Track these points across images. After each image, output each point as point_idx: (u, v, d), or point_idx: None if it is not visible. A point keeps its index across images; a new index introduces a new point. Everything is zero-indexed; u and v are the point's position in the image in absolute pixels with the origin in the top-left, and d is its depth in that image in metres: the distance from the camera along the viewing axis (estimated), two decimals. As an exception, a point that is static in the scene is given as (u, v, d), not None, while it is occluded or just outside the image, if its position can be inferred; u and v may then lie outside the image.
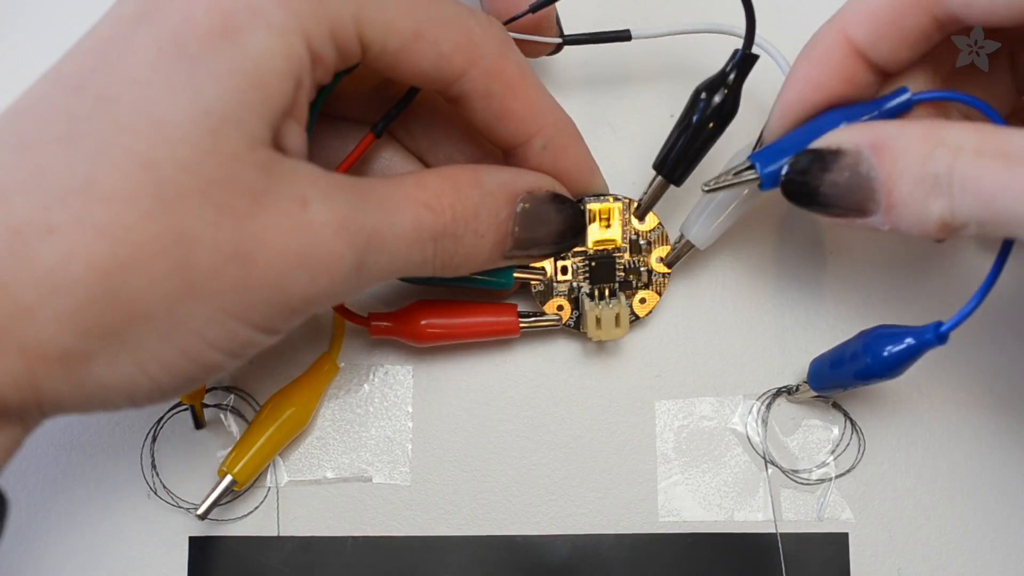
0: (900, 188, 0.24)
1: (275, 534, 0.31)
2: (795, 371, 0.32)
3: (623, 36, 0.31)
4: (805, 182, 0.26)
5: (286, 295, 0.22)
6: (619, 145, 0.33)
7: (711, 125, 0.27)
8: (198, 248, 0.20)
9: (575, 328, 0.31)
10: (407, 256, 0.24)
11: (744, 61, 0.26)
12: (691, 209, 0.30)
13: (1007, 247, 0.25)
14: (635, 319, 0.31)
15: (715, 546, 0.31)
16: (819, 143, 0.26)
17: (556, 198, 0.27)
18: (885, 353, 0.27)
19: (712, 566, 0.31)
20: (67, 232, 0.19)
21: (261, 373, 0.32)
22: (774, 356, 0.33)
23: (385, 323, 0.31)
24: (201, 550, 0.31)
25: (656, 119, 0.34)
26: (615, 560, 0.31)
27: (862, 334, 0.28)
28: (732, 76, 0.27)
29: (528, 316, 0.31)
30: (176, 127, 0.20)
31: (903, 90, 0.26)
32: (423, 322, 0.30)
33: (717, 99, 0.27)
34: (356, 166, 0.29)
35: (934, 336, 0.26)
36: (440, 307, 0.30)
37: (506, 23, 0.28)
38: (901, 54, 0.26)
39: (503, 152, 0.27)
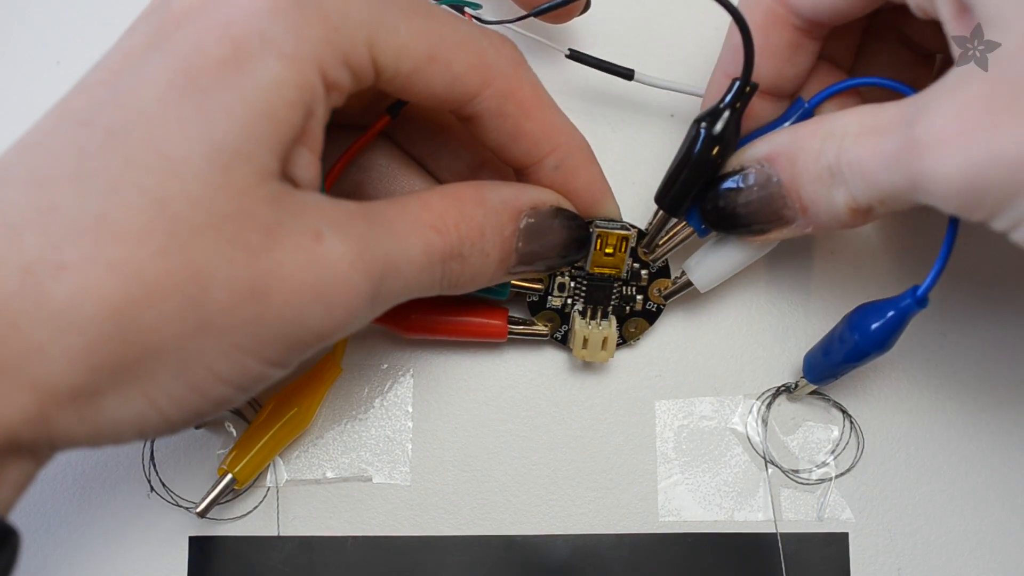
0: (805, 188, 0.25)
1: (275, 534, 0.31)
2: (795, 370, 0.32)
3: (626, 74, 0.31)
4: (723, 208, 0.27)
5: (301, 330, 0.21)
6: (618, 144, 0.33)
7: (711, 155, 0.27)
8: (212, 285, 0.20)
9: (562, 342, 0.31)
10: (417, 280, 0.24)
11: (742, 92, 0.26)
12: (697, 250, 0.30)
13: None
14: (622, 342, 0.31)
15: (715, 546, 0.31)
16: (724, 169, 0.27)
17: (560, 212, 0.27)
18: (872, 328, 0.27)
19: (712, 566, 0.31)
20: (79, 269, 0.19)
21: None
22: (774, 356, 0.33)
23: None
24: (201, 550, 0.31)
25: (657, 121, 0.34)
26: (615, 560, 0.31)
27: (846, 316, 0.28)
28: (731, 107, 0.26)
29: (518, 323, 0.31)
30: (187, 163, 0.20)
31: (799, 100, 0.28)
32: (413, 315, 0.30)
33: (716, 130, 0.26)
34: (354, 172, 0.29)
35: (913, 301, 0.26)
36: (431, 302, 0.30)
37: (532, 14, 0.28)
38: (786, 71, 0.27)
39: (515, 171, 0.27)
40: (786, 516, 0.32)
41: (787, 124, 0.27)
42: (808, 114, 0.27)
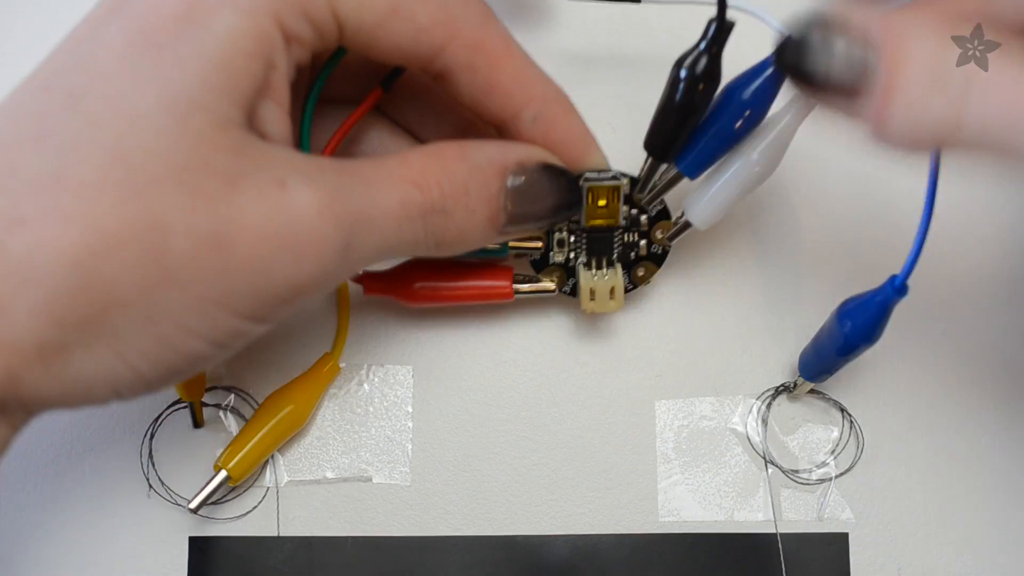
0: (908, 72, 0.21)
1: (275, 534, 0.31)
2: (794, 370, 0.32)
3: None
4: (797, 62, 0.23)
5: (270, 281, 0.21)
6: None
7: (693, 99, 0.26)
8: (172, 234, 0.20)
9: (571, 295, 0.31)
10: (397, 235, 0.23)
11: (719, 31, 0.25)
12: (693, 191, 0.29)
13: (934, 174, 0.24)
14: (633, 287, 0.31)
15: (715, 546, 0.31)
16: (821, 14, 0.22)
17: (548, 168, 0.26)
18: (858, 321, 0.27)
19: (712, 566, 0.31)
20: (36, 223, 0.19)
21: (262, 373, 0.32)
22: (774, 356, 0.33)
23: (379, 282, 0.30)
24: (201, 550, 0.31)
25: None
26: (615, 560, 0.31)
27: (834, 313, 0.28)
28: (709, 47, 0.26)
29: (524, 282, 0.31)
30: (144, 117, 0.20)
31: (788, 37, 0.24)
32: (417, 284, 0.30)
33: (698, 71, 0.26)
34: (344, 146, 0.28)
35: (892, 291, 0.26)
36: (435, 268, 0.30)
37: None
38: None
39: (495, 128, 0.27)
40: (786, 516, 0.32)
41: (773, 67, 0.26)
42: None
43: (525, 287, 0.31)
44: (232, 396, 0.32)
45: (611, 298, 0.30)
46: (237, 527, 0.31)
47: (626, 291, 0.31)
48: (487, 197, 0.25)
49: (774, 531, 0.31)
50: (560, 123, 0.27)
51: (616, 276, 0.30)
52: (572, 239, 0.30)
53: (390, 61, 0.25)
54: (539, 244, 0.30)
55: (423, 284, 0.30)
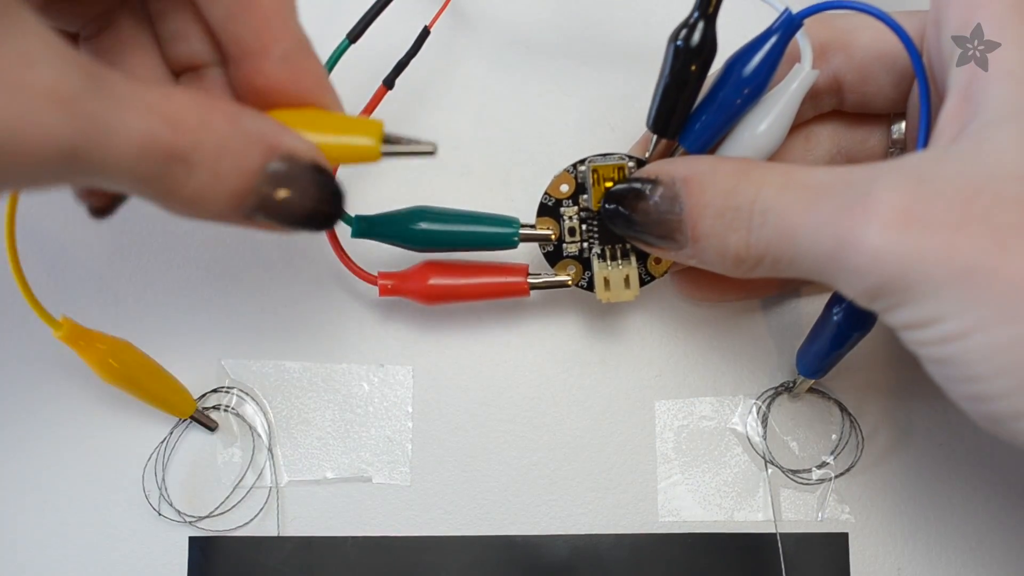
0: (704, 220, 0.25)
1: (275, 534, 0.31)
2: (794, 369, 0.32)
3: None
4: (622, 209, 0.27)
5: None
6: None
7: (692, 69, 0.26)
8: None
9: (588, 289, 0.30)
10: (131, 166, 0.20)
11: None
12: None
13: None
14: (650, 279, 0.30)
15: (715, 546, 0.31)
16: (639, 173, 0.27)
17: (318, 170, 0.23)
18: (851, 308, 0.27)
19: (712, 566, 0.31)
20: None
21: (262, 373, 0.32)
22: (774, 356, 0.33)
23: (393, 281, 0.30)
24: (201, 550, 0.31)
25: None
26: (615, 560, 0.31)
27: (826, 304, 0.28)
28: (703, 16, 0.26)
29: (538, 277, 0.30)
30: None
31: (786, 12, 0.26)
32: (431, 281, 0.30)
33: (694, 42, 0.26)
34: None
35: None
36: (449, 267, 0.30)
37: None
38: None
39: (234, 62, 0.24)
40: (786, 516, 0.32)
41: (774, 38, 0.26)
42: (796, 26, 0.26)
43: (540, 281, 0.30)
44: (233, 396, 0.32)
45: (626, 287, 0.30)
46: (237, 527, 0.31)
47: (644, 283, 0.30)
48: (242, 170, 0.22)
49: (774, 531, 0.31)
50: (308, 68, 0.24)
51: (631, 265, 0.30)
52: (584, 227, 0.30)
53: None
54: (552, 234, 0.30)
55: (438, 282, 0.30)
